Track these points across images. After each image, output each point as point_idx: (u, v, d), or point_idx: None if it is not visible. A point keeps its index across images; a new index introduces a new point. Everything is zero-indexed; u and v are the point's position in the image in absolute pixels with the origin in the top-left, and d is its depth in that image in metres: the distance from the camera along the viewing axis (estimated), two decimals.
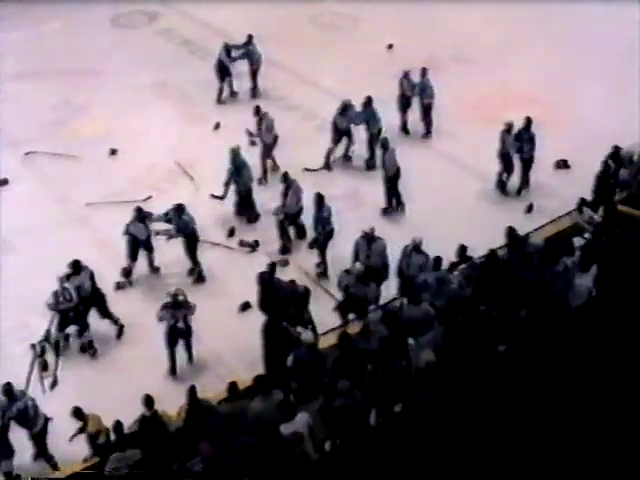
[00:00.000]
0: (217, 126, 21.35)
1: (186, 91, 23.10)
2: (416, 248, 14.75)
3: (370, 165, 19.62)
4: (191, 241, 16.41)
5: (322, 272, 16.52)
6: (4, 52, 25.46)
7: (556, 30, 24.99)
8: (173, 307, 14.26)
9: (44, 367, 14.59)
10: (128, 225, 16.14)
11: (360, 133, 19.85)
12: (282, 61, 24.04)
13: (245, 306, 15.59)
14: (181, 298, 14.43)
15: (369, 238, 15.17)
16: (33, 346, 14.79)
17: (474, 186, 18.87)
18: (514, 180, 18.70)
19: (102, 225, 17.23)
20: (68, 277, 14.87)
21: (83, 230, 17.75)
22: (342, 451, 11.41)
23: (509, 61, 23.44)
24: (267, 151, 19.25)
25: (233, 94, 23.05)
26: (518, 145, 18.11)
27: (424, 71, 20.41)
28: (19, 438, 12.68)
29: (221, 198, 18.18)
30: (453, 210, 17.81)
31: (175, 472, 11.08)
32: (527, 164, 18.44)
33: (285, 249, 17.13)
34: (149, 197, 18.40)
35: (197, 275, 16.48)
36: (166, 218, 16.39)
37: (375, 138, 19.35)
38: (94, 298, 15.13)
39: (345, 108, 19.48)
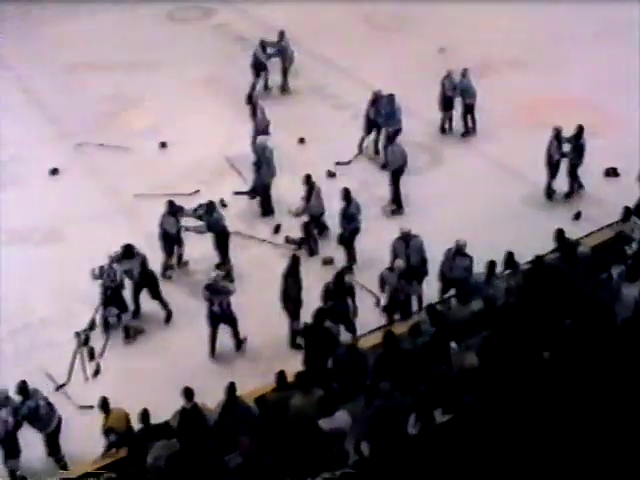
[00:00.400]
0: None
1: (237, 87, 23.15)
2: (459, 251, 14.67)
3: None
4: (221, 238, 16.40)
5: (349, 267, 16.38)
6: (61, 43, 25.86)
7: (614, 33, 24.56)
8: (212, 290, 14.37)
9: (91, 355, 14.76)
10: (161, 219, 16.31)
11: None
12: (335, 60, 24.17)
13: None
14: (222, 284, 14.51)
15: (406, 238, 15.10)
16: (77, 334, 14.99)
17: (521, 191, 18.71)
18: (562, 186, 18.54)
19: (149, 217, 17.28)
20: (119, 259, 15.08)
21: (131, 221, 17.91)
22: (380, 454, 11.38)
23: (563, 65, 23.21)
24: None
25: (267, 88, 23.29)
26: (565, 151, 18.01)
27: (465, 72, 20.49)
28: (25, 436, 12.57)
29: (246, 194, 18.43)
30: (498, 214, 17.71)
31: (213, 466, 11.12)
32: (574, 170, 18.31)
33: (312, 252, 17.11)
34: (197, 191, 18.50)
35: (226, 273, 16.28)
36: (195, 214, 16.49)
37: (391, 137, 19.37)
38: (145, 281, 15.33)
39: (376, 99, 19.66)
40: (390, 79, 22.29)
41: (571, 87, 21.91)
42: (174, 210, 16.25)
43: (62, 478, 12.07)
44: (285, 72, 23.25)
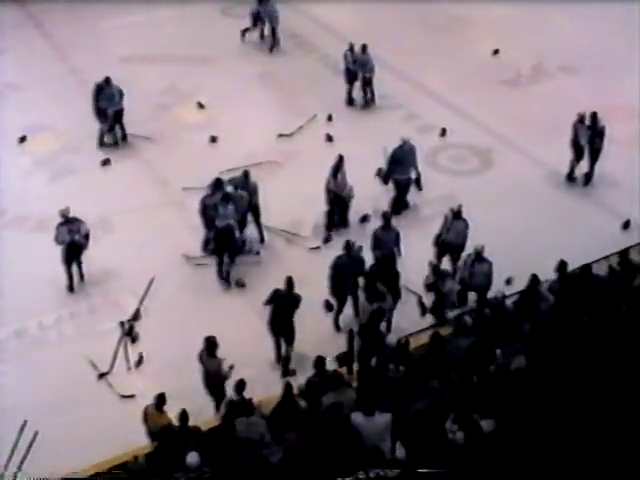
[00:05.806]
0: (330, 118, 21.58)
1: (290, 83, 23.28)
2: (478, 256, 14.68)
3: None
4: (241, 223, 16.78)
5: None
6: (115, 36, 26.11)
7: None
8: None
9: (133, 340, 14.87)
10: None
11: None
12: (389, 61, 23.96)
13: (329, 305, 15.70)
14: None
15: (455, 214, 15.67)
16: (121, 324, 15.08)
17: (571, 197, 18.66)
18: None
19: (196, 210, 17.45)
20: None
21: (178, 214, 18.06)
22: (419, 457, 11.26)
23: (617, 71, 22.89)
24: None
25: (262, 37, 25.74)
26: (589, 135, 18.45)
27: (364, 47, 21.60)
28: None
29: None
30: (547, 219, 17.64)
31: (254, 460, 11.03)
32: (595, 155, 18.72)
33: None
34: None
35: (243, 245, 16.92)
36: (231, 184, 16.90)
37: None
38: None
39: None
40: (443, 81, 22.35)
41: (626, 93, 21.58)
42: (217, 187, 16.66)
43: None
44: (274, 32, 25.21)
